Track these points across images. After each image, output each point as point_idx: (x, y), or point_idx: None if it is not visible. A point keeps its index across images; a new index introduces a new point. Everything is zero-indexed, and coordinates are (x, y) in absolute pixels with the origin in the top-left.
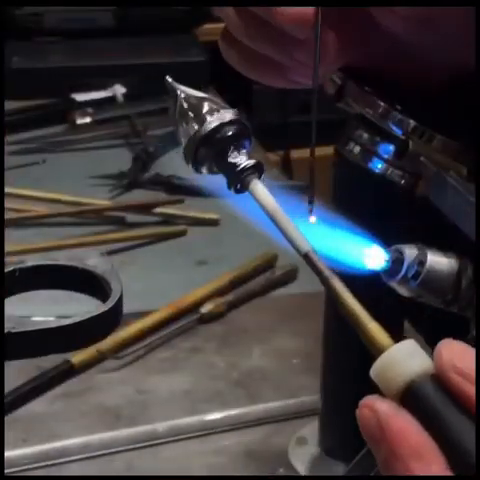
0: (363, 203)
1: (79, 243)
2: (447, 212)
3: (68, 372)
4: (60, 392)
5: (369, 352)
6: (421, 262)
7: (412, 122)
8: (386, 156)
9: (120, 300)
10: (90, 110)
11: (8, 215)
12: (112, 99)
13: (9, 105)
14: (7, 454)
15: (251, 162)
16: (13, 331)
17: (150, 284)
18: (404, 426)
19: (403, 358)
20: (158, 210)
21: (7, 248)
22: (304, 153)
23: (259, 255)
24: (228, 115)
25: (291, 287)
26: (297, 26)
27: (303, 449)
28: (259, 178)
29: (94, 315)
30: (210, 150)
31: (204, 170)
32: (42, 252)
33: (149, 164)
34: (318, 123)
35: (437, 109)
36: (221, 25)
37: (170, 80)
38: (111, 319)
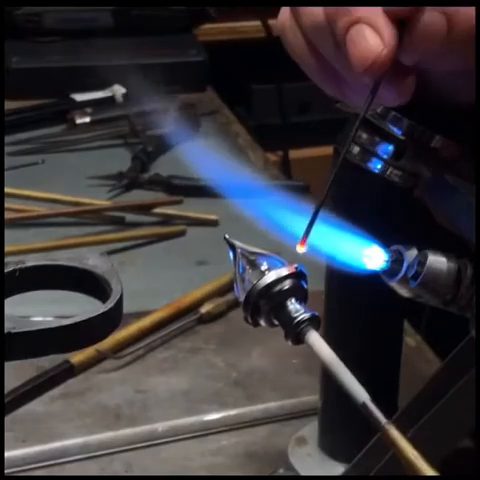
0: (363, 203)
1: (79, 243)
2: (447, 212)
3: (68, 372)
4: (60, 392)
5: (371, 353)
6: (421, 262)
7: (411, 122)
8: (385, 156)
9: (120, 300)
10: (89, 110)
11: (8, 215)
12: (111, 99)
13: (8, 105)
14: (7, 454)
15: (307, 315)
16: (13, 331)
17: (150, 284)
18: None
19: None
20: (157, 210)
21: (7, 248)
22: (303, 153)
23: None
24: (285, 270)
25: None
26: (364, 74)
27: (303, 449)
28: (316, 329)
29: (94, 315)
30: (268, 303)
31: (262, 322)
32: (42, 252)
33: (148, 164)
34: (318, 123)
35: (436, 109)
36: (221, 25)
37: (227, 236)
38: (111, 319)
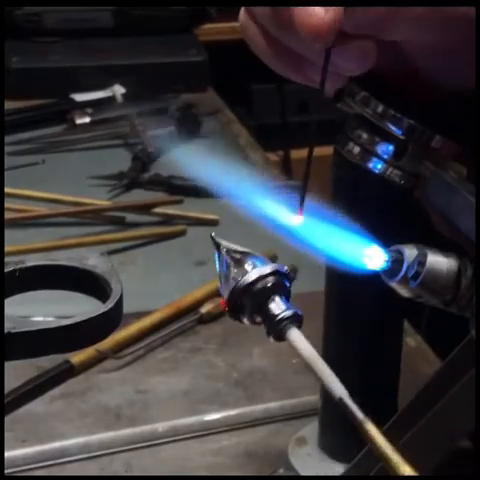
0: (363, 203)
1: (79, 243)
2: (447, 212)
3: (68, 372)
4: (60, 392)
5: (371, 354)
6: (421, 262)
7: (411, 122)
8: (385, 156)
9: (120, 300)
10: (89, 110)
11: (8, 215)
12: (111, 99)
13: (8, 105)
14: (7, 454)
15: (289, 312)
16: (13, 331)
17: (150, 284)
18: None
19: None
20: (157, 210)
21: (7, 248)
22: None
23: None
24: (268, 268)
25: (291, 287)
26: (309, 46)
27: (303, 449)
28: (298, 327)
29: (94, 315)
30: (250, 301)
31: (245, 320)
32: (42, 252)
33: (148, 164)
34: (318, 123)
35: (436, 109)
36: (221, 25)
37: (213, 234)
38: (111, 319)
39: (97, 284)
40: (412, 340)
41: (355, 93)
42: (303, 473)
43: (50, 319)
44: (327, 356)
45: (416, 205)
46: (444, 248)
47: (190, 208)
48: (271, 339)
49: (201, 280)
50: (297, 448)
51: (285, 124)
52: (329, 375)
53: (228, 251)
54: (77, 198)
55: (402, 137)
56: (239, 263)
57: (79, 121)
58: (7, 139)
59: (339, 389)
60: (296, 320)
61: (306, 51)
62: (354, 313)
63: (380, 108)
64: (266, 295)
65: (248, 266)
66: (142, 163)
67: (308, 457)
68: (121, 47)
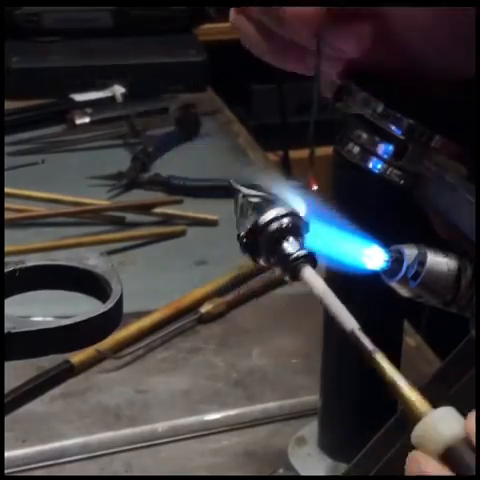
0: (363, 203)
1: (78, 243)
2: (447, 212)
3: (68, 372)
4: (60, 392)
5: None
6: (421, 262)
7: (411, 122)
8: (385, 156)
9: (120, 300)
10: (89, 110)
11: (8, 215)
12: (111, 99)
13: (8, 105)
14: (7, 454)
15: (303, 252)
16: (13, 331)
17: (150, 284)
18: None
19: (440, 424)
20: (157, 210)
21: (7, 248)
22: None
23: None
24: (284, 209)
25: (291, 287)
26: (300, 32)
27: (303, 449)
28: (313, 266)
29: (94, 315)
30: (266, 241)
31: (261, 260)
32: (42, 252)
33: (148, 164)
34: (318, 123)
35: (436, 108)
36: (221, 25)
37: (232, 181)
38: (111, 319)
39: (97, 284)
40: (412, 340)
41: (355, 93)
42: (303, 473)
43: (50, 319)
44: (327, 356)
45: (416, 205)
46: (444, 248)
47: (190, 208)
48: (286, 278)
49: (201, 280)
50: (297, 448)
51: (285, 124)
52: (341, 309)
53: (246, 195)
54: (77, 198)
55: (402, 137)
56: (257, 206)
57: (79, 121)
58: (7, 139)
59: (350, 322)
60: (310, 260)
61: (303, 39)
62: (354, 313)
63: (380, 108)
64: (281, 235)
65: (264, 208)
66: (142, 163)
67: (308, 457)
68: (121, 47)
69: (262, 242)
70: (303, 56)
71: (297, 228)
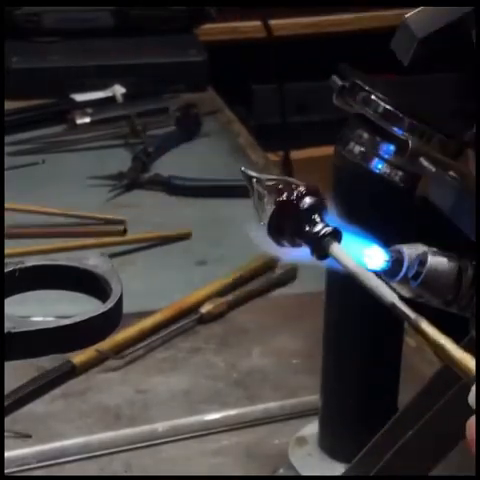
0: (363, 203)
1: (80, 245)
2: (447, 212)
3: (69, 373)
4: (60, 392)
5: (371, 354)
6: (421, 262)
7: (412, 122)
8: (386, 156)
9: (120, 300)
10: (89, 110)
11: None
12: (111, 99)
13: (8, 105)
14: (7, 454)
15: (329, 229)
16: (13, 331)
17: (150, 284)
18: None
19: None
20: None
21: (7, 251)
22: (304, 153)
23: (260, 256)
24: (303, 189)
25: (291, 287)
26: None
27: (303, 449)
28: (339, 242)
29: (94, 315)
30: (289, 222)
31: (286, 242)
32: (42, 254)
33: (148, 164)
34: (318, 123)
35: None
36: (221, 25)
37: (243, 168)
38: (111, 319)
39: (97, 284)
40: (412, 340)
41: (356, 93)
42: (303, 473)
43: (50, 319)
44: (328, 356)
45: (416, 205)
46: (444, 248)
47: (190, 208)
48: (314, 258)
49: (202, 280)
50: (297, 448)
51: (285, 124)
52: (378, 283)
53: (260, 180)
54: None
55: (403, 137)
56: (273, 189)
57: (79, 121)
58: (7, 139)
59: (390, 295)
60: (337, 236)
61: None
62: (354, 313)
63: (381, 108)
64: (304, 215)
65: (282, 190)
66: (142, 163)
67: (308, 457)
68: (121, 47)
69: (285, 224)
70: None
71: (319, 205)
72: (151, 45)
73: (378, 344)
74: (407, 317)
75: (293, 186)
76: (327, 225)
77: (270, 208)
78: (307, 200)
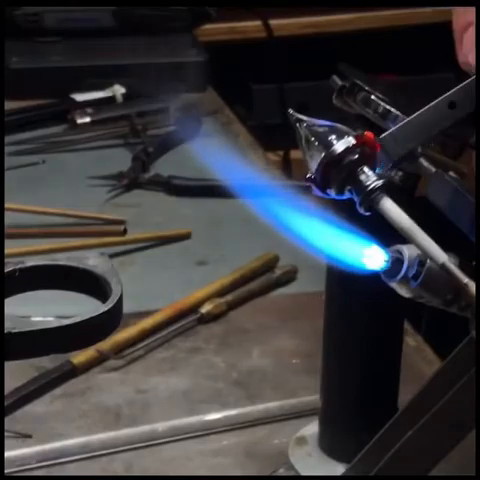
0: None
1: (80, 245)
2: (447, 212)
3: (70, 373)
4: (60, 392)
5: (371, 354)
6: (421, 262)
7: None
8: None
9: (120, 300)
10: (90, 110)
11: (8, 213)
12: (112, 99)
13: (9, 105)
14: (7, 454)
15: (380, 182)
16: (13, 331)
17: (150, 284)
18: None
19: None
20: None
21: (7, 251)
22: None
23: (260, 256)
24: (353, 139)
25: (291, 287)
26: None
27: (303, 449)
28: (389, 196)
29: (94, 315)
30: (339, 173)
31: (332, 193)
32: (42, 254)
33: (149, 164)
34: None
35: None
36: (222, 25)
37: (291, 111)
38: (111, 319)
39: (97, 284)
40: (412, 340)
41: (356, 93)
42: (303, 473)
43: (50, 319)
44: (327, 356)
45: (415, 205)
46: (444, 248)
47: (190, 208)
48: (362, 210)
49: (202, 280)
50: (297, 448)
51: (285, 124)
52: (429, 243)
53: (310, 125)
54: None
55: None
56: (323, 136)
57: (80, 121)
58: (7, 139)
59: (441, 255)
60: (388, 190)
61: None
62: (354, 313)
63: (381, 108)
64: (355, 166)
65: (333, 138)
66: (142, 163)
67: (308, 457)
68: (121, 47)
69: (335, 174)
70: None
71: (368, 156)
72: (151, 45)
73: (378, 344)
74: (457, 279)
75: (344, 135)
76: (377, 178)
77: (318, 157)
78: (358, 150)
